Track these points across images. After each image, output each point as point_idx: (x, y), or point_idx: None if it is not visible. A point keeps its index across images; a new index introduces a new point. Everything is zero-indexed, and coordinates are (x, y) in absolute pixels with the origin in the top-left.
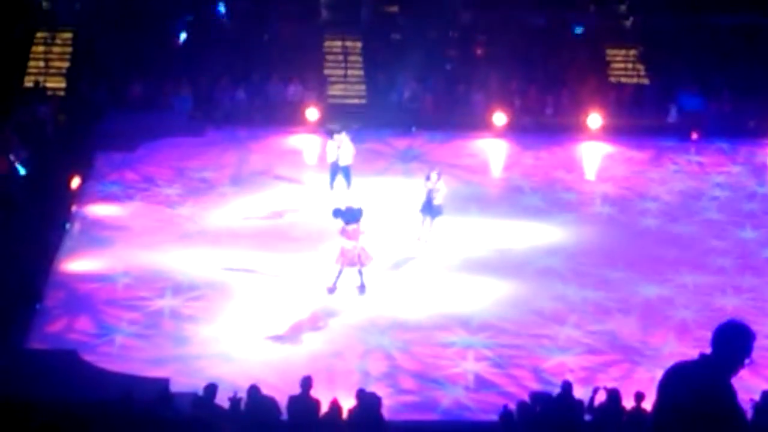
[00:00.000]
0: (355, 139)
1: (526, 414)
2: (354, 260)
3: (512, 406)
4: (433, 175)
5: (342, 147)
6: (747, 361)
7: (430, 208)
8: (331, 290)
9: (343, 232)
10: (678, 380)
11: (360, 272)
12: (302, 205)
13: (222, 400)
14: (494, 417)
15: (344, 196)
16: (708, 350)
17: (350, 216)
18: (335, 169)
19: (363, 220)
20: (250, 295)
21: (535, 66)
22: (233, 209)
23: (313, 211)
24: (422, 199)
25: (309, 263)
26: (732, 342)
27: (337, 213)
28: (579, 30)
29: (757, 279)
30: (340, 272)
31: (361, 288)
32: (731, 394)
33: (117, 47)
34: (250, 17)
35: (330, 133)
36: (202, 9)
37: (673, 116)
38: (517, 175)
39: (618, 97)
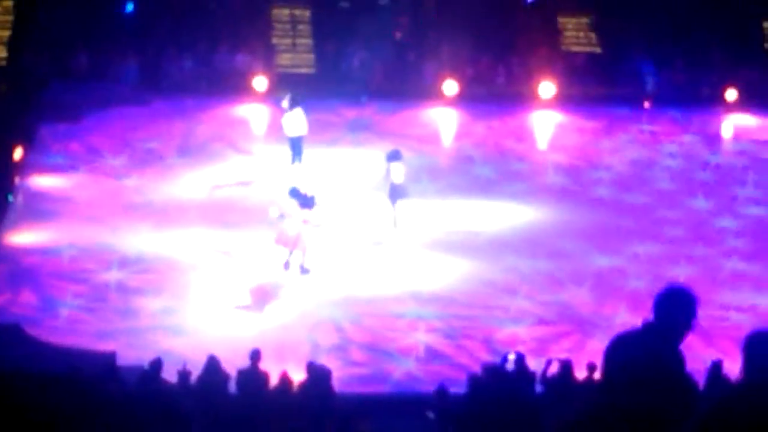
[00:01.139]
0: (305, 110)
1: (478, 386)
2: (289, 243)
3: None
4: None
5: (297, 118)
6: (693, 325)
7: (393, 191)
8: (286, 266)
9: (294, 215)
10: (623, 349)
11: (302, 255)
12: (251, 177)
13: (171, 374)
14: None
15: (298, 177)
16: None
17: (304, 201)
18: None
19: (316, 207)
20: (199, 268)
21: (486, 34)
22: (181, 181)
23: (263, 184)
24: (385, 182)
25: (258, 236)
26: (674, 307)
27: (293, 193)
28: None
29: (710, 249)
30: (290, 251)
31: (302, 269)
32: (679, 360)
33: (61, 15)
34: None
35: (291, 105)
36: None
37: (651, 85)
38: (469, 145)
39: (570, 66)
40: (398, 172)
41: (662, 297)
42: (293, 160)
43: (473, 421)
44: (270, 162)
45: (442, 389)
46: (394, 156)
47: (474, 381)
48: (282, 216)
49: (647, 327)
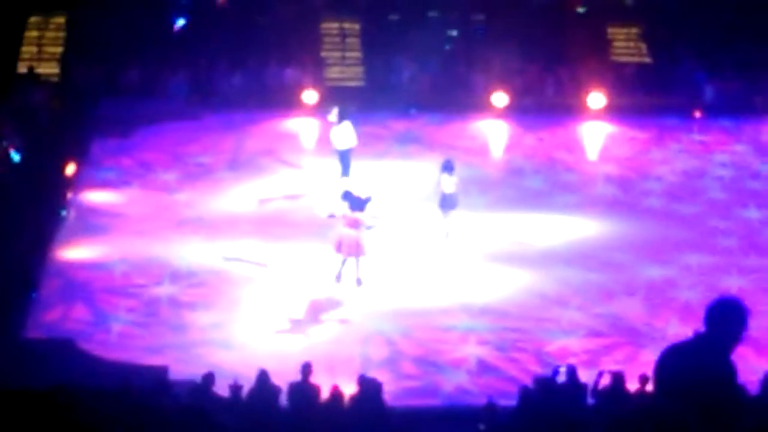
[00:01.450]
0: (353, 123)
1: (529, 399)
2: (350, 250)
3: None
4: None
5: (345, 131)
6: (744, 336)
7: (444, 201)
8: (338, 278)
9: (344, 217)
10: (675, 361)
11: (357, 263)
12: (301, 191)
13: (222, 387)
14: (498, 401)
15: (352, 183)
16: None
17: (356, 203)
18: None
19: (368, 210)
20: (250, 282)
21: (535, 45)
22: (231, 195)
23: (314, 197)
24: (437, 192)
25: (309, 250)
26: (725, 319)
27: (345, 196)
28: (582, 10)
29: (762, 259)
30: (343, 261)
31: (357, 280)
32: (731, 371)
33: (111, 32)
34: (247, 0)
35: (339, 118)
36: None
37: (708, 95)
38: (519, 157)
39: (619, 77)
40: (450, 183)
41: (714, 308)
42: (343, 174)
43: None
44: (319, 175)
45: (492, 403)
46: (447, 166)
47: (525, 394)
48: (332, 216)
49: (699, 338)
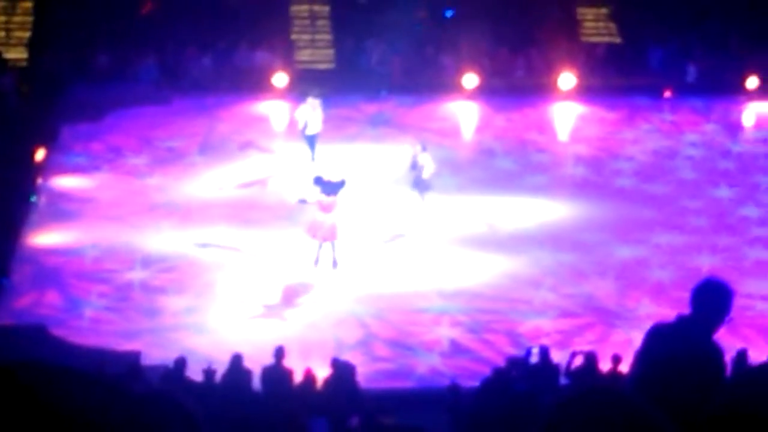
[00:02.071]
0: (324, 105)
1: (501, 379)
2: (326, 234)
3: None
4: (417, 148)
5: (313, 114)
6: (727, 319)
7: (419, 184)
8: (316, 263)
9: (318, 202)
10: (660, 341)
11: (332, 246)
12: (273, 174)
13: (195, 372)
14: (471, 382)
15: (320, 166)
16: (686, 310)
17: (329, 187)
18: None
19: (341, 193)
20: (222, 267)
21: (505, 26)
22: (203, 179)
23: (285, 181)
24: (411, 175)
25: (281, 234)
26: (712, 300)
27: (317, 181)
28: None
29: (733, 238)
30: (320, 246)
31: (334, 262)
32: (719, 353)
33: (80, 15)
34: None
35: (304, 98)
36: None
37: (692, 75)
38: (489, 138)
39: (589, 57)
40: (427, 165)
41: (699, 290)
42: (312, 157)
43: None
44: (289, 158)
45: (455, 384)
46: (423, 148)
47: (497, 374)
48: (302, 201)
49: (684, 319)
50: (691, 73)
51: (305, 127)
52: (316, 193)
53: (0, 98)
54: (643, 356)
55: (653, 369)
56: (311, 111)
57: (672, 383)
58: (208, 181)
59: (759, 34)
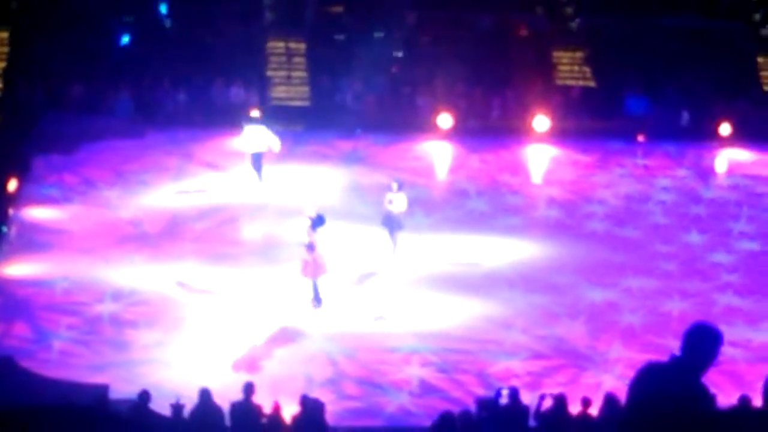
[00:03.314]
0: (298, 142)
1: (469, 422)
2: (316, 271)
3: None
4: (393, 186)
5: (260, 135)
6: (715, 362)
7: (390, 221)
8: (317, 303)
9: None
10: (652, 382)
11: (314, 284)
12: (244, 209)
13: (164, 407)
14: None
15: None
16: (655, 355)
17: (316, 223)
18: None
19: (320, 230)
20: (192, 300)
21: (481, 68)
22: (174, 213)
23: (253, 213)
24: (384, 211)
25: (253, 270)
26: (701, 344)
27: (319, 221)
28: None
29: (704, 283)
30: (314, 284)
31: (315, 300)
32: (708, 395)
33: (55, 48)
34: (192, 18)
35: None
36: (143, 10)
37: (685, 119)
38: (463, 179)
39: (564, 100)
40: (397, 203)
41: (691, 333)
42: (259, 177)
43: None
44: (265, 192)
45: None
46: (399, 186)
47: (466, 417)
48: (310, 247)
49: (675, 361)
50: (685, 117)
51: (250, 146)
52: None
53: None
54: (633, 392)
55: (643, 406)
56: (256, 133)
57: (661, 421)
58: (180, 214)
59: (733, 82)
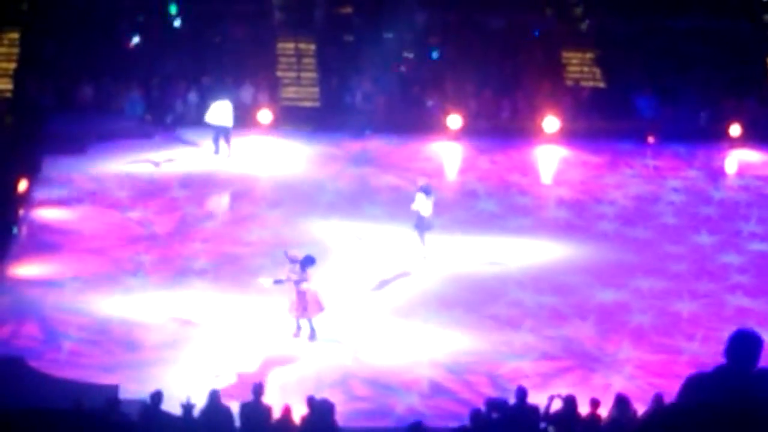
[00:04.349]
0: (308, 142)
1: (480, 422)
2: (304, 311)
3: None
4: (419, 186)
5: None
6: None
7: (419, 222)
8: (312, 337)
9: (294, 281)
10: (700, 392)
11: (309, 322)
12: (253, 209)
13: (174, 407)
14: (449, 423)
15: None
16: (665, 355)
17: (300, 264)
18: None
19: (311, 269)
20: (203, 299)
21: (490, 68)
22: (184, 213)
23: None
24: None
25: (263, 270)
26: (745, 350)
27: (291, 260)
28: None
29: (713, 284)
30: (309, 320)
31: (311, 335)
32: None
33: (65, 48)
34: (203, 19)
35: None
36: (153, 10)
37: (703, 119)
38: (473, 179)
39: (574, 101)
40: (427, 205)
41: (734, 340)
42: (217, 150)
43: None
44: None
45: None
46: (424, 189)
47: (476, 416)
48: (278, 282)
49: (721, 369)
50: (703, 118)
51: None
52: (289, 272)
53: None
54: (683, 405)
55: (695, 418)
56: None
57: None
58: (190, 215)
59: (743, 83)
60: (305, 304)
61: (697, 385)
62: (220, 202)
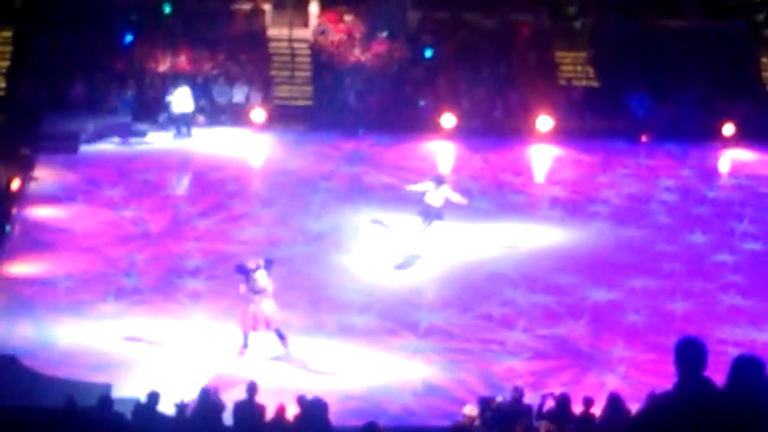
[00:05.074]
0: (301, 142)
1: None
2: (263, 324)
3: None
4: (432, 182)
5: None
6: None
7: (427, 211)
8: (243, 350)
9: (248, 292)
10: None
11: (276, 333)
12: (247, 207)
13: (167, 406)
14: (442, 422)
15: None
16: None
17: (251, 273)
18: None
19: (263, 278)
20: (196, 298)
21: (483, 68)
22: (176, 211)
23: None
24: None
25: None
26: (749, 376)
27: (240, 270)
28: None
29: (707, 283)
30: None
31: (282, 342)
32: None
33: (58, 46)
34: (196, 17)
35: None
36: (146, 8)
37: (648, 119)
38: (466, 178)
39: (567, 100)
40: (438, 196)
41: (736, 365)
42: (178, 133)
43: None
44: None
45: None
46: (436, 180)
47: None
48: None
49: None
50: (655, 118)
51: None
52: (244, 283)
53: None
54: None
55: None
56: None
57: None
58: (181, 212)
59: (736, 82)
60: (265, 318)
61: (660, 404)
62: (179, 183)
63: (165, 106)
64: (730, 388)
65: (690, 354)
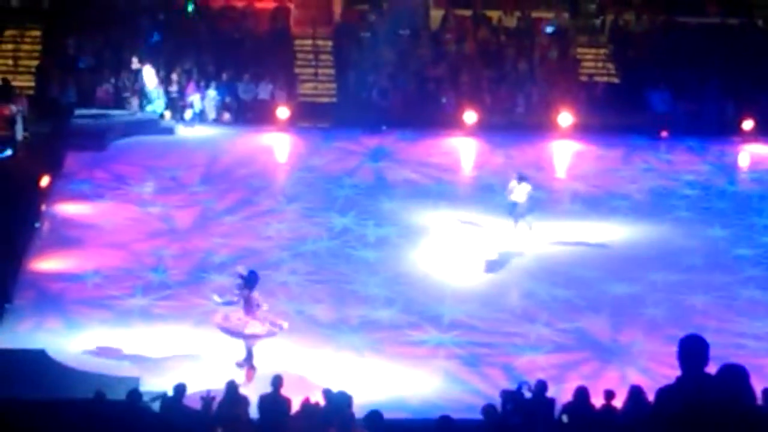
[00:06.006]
0: (325, 138)
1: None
2: (234, 332)
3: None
4: (514, 178)
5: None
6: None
7: (513, 210)
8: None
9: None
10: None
11: (246, 343)
12: (272, 203)
13: (194, 399)
14: (465, 415)
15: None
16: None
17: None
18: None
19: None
20: (222, 293)
21: (505, 64)
22: (204, 209)
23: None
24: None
25: (281, 264)
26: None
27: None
28: (550, 29)
29: (727, 277)
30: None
31: (248, 357)
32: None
33: (86, 45)
34: (221, 16)
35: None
36: (172, 8)
37: (676, 115)
38: (488, 174)
39: (588, 96)
40: (521, 192)
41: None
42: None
43: None
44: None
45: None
46: (519, 177)
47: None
48: (229, 303)
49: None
50: (716, 113)
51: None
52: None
53: (7, 125)
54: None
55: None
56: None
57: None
58: (210, 209)
59: (755, 77)
60: (243, 326)
61: (666, 398)
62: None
63: (191, 104)
64: (716, 392)
65: (691, 350)
